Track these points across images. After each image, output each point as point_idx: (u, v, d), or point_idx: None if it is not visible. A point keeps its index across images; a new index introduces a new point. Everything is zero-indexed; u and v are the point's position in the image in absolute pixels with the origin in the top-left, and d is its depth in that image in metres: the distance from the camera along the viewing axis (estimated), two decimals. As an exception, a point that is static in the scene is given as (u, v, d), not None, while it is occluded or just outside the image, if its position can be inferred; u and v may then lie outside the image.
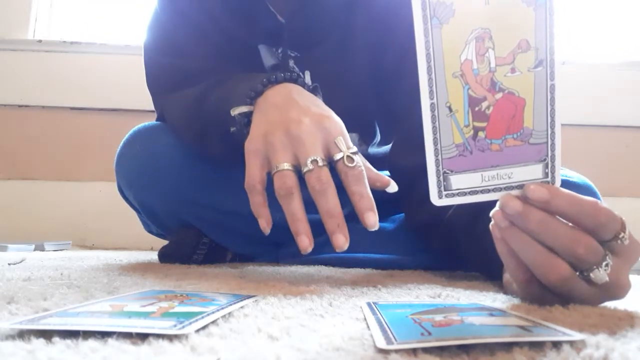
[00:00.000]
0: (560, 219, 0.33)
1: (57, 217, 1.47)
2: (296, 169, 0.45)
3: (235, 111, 0.53)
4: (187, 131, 0.67)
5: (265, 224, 0.46)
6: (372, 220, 0.44)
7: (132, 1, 1.67)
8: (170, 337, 0.23)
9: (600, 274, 0.32)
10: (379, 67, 0.71)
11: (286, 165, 0.45)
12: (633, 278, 0.37)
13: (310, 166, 0.44)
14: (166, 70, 0.72)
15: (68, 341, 0.23)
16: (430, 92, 0.34)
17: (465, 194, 0.35)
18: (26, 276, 0.50)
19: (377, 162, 0.58)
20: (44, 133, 1.52)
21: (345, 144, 0.46)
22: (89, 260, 0.77)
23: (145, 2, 1.33)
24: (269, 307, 0.34)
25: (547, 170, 0.34)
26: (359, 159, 0.46)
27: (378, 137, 0.79)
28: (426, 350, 0.22)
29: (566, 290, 0.33)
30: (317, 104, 0.50)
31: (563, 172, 0.37)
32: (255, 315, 0.31)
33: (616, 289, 0.34)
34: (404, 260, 0.72)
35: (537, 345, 0.23)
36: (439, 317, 0.28)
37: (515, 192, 0.34)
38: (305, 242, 0.43)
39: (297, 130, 0.46)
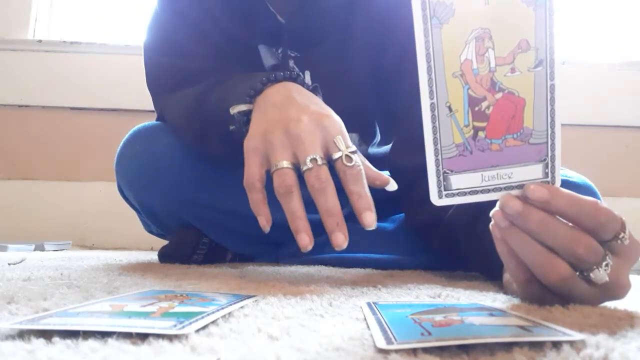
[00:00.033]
0: (560, 219, 0.33)
1: (57, 217, 1.47)
2: (295, 167, 0.46)
3: (235, 109, 0.53)
4: (187, 131, 0.67)
5: (265, 222, 0.46)
6: (369, 219, 0.44)
7: (132, 1, 1.67)
8: (170, 337, 0.23)
9: (600, 274, 0.32)
10: (379, 67, 0.71)
11: (285, 164, 0.45)
12: (633, 278, 0.37)
13: (309, 165, 0.44)
14: (166, 70, 0.72)
15: (68, 341, 0.23)
16: (430, 92, 0.34)
17: (465, 194, 0.35)
18: (26, 276, 0.50)
19: (377, 162, 0.58)
20: (44, 133, 1.52)
21: (344, 143, 0.46)
22: (89, 260, 0.77)
23: (145, 2, 1.33)
24: (269, 307, 0.34)
25: (547, 170, 0.34)
26: (358, 158, 0.46)
27: (378, 137, 0.79)
28: (426, 350, 0.22)
29: (566, 290, 0.33)
30: (316, 103, 0.50)
31: (563, 172, 0.37)
32: (255, 315, 0.31)
33: (616, 289, 0.34)
34: (404, 260, 0.72)
35: (537, 345, 0.23)
36: (439, 317, 0.28)
37: (515, 192, 0.34)
38: (305, 240, 0.43)
39: (297, 129, 0.46)
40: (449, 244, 0.61)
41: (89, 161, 1.51)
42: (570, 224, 0.33)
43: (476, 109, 0.34)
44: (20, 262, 0.70)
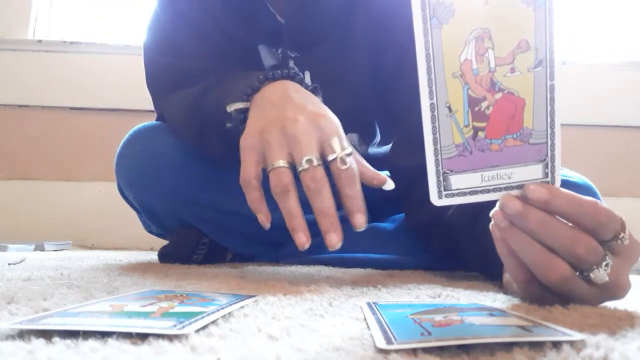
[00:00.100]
0: (560, 219, 0.33)
1: (57, 217, 1.47)
2: (292, 166, 0.46)
3: (232, 107, 0.53)
4: (187, 131, 0.67)
5: (264, 219, 0.47)
6: (360, 221, 0.45)
7: (132, 1, 1.67)
8: (170, 337, 0.23)
9: (600, 274, 0.32)
10: (378, 67, 0.71)
11: (282, 163, 0.45)
12: (633, 278, 0.37)
13: (305, 165, 0.44)
14: (166, 70, 0.72)
15: (68, 341, 0.23)
16: (430, 92, 0.34)
17: (465, 194, 0.35)
18: (26, 276, 0.50)
19: (377, 162, 0.58)
20: (44, 133, 1.52)
21: (340, 144, 0.46)
22: (89, 260, 0.77)
23: (145, 2, 1.33)
24: (269, 307, 0.34)
25: (547, 170, 0.34)
26: (353, 160, 0.46)
27: (378, 137, 0.79)
28: (426, 350, 0.22)
29: (566, 290, 0.33)
30: (313, 102, 0.50)
31: (563, 172, 0.37)
32: (255, 315, 0.31)
33: (616, 289, 0.34)
34: (404, 260, 0.72)
35: (537, 345, 0.23)
36: (439, 317, 0.28)
37: (515, 192, 0.34)
38: (302, 238, 0.44)
39: (293, 128, 0.46)
40: (449, 244, 0.61)
41: (89, 161, 1.51)
42: (570, 224, 0.33)
43: (476, 109, 0.34)
44: (20, 262, 0.70)
